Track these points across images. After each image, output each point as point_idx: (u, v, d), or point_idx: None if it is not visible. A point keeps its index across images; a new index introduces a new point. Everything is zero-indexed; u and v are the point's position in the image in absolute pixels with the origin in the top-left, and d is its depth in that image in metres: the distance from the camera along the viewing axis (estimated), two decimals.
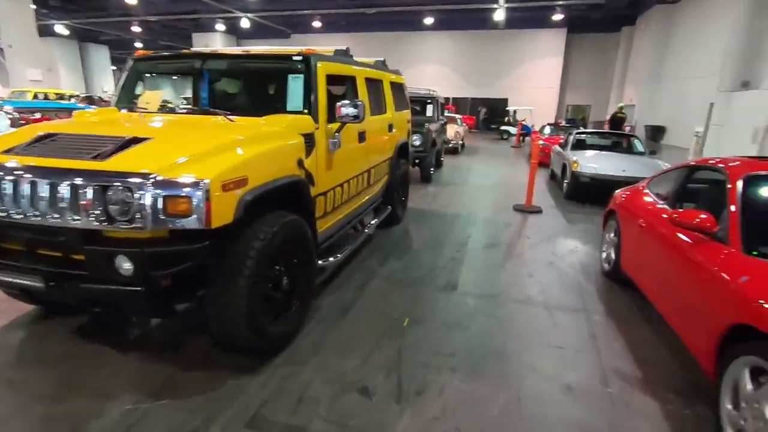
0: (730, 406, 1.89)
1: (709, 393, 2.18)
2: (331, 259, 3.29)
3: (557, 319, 3.08)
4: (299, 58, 2.94)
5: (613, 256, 3.72)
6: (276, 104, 2.98)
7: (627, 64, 26.92)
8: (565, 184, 7.29)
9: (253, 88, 3.62)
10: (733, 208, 2.30)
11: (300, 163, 2.60)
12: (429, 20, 26.75)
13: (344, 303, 3.14)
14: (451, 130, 13.25)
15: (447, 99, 29.48)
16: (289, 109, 2.87)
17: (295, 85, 2.86)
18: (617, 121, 12.99)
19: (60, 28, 26.31)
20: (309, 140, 2.72)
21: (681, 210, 2.46)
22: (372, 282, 3.55)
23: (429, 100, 8.94)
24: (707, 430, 2.01)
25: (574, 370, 2.46)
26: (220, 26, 29.01)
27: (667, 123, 21.23)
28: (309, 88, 2.87)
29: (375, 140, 4.05)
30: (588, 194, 6.98)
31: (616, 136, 8.46)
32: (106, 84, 29.55)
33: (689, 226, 2.35)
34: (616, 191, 4.15)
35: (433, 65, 30.46)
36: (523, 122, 18.26)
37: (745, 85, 14.25)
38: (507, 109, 20.20)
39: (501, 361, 2.51)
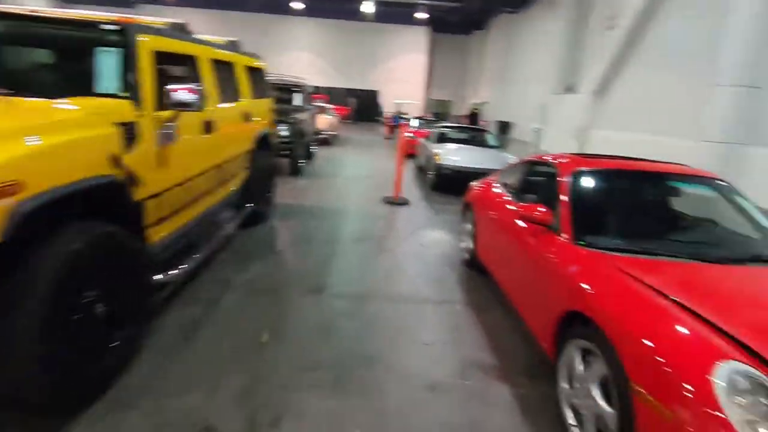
0: (566, 386, 2.06)
1: (550, 374, 2.38)
2: (174, 271, 2.78)
3: (425, 313, 3.11)
4: (113, 27, 2.36)
5: (471, 246, 3.94)
6: (84, 84, 2.36)
7: (481, 65, 29.94)
8: (430, 176, 7.66)
9: (53, 63, 2.84)
10: (563, 200, 2.53)
11: (115, 160, 2.07)
12: (298, 5, 25.87)
13: (189, 323, 2.69)
14: (323, 121, 12.99)
15: (318, 88, 29.13)
16: (99, 91, 2.28)
17: (108, 61, 2.29)
18: (473, 116, 14.24)
19: None
20: (129, 131, 2.19)
21: (524, 204, 2.63)
22: (227, 294, 3.13)
23: (296, 89, 8.52)
24: (549, 408, 2.17)
25: (438, 366, 2.48)
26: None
27: (513, 119, 24.26)
28: (128, 66, 2.32)
29: (227, 131, 3.58)
30: (451, 185, 7.45)
31: (473, 131, 9.21)
32: None
33: (530, 219, 2.52)
34: (472, 183, 4.42)
35: (303, 53, 29.64)
36: (393, 115, 18.91)
37: (568, 90, 16.96)
38: (397, 102, 20.76)
39: (368, 368, 2.40)
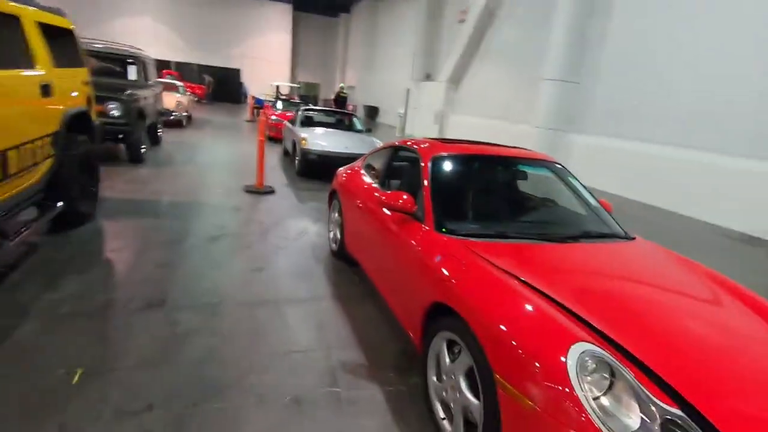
0: (435, 379, 2.00)
1: (421, 366, 2.33)
2: None
3: (288, 316, 2.81)
4: None
5: (338, 235, 3.75)
6: None
7: (347, 48, 29.90)
8: (296, 162, 7.25)
9: None
10: (425, 187, 2.47)
11: None
12: None
13: None
14: (172, 100, 11.43)
15: (168, 63, 25.64)
16: None
17: None
18: (341, 100, 14.10)
19: None
20: None
21: (389, 192, 2.50)
22: (25, 323, 2.38)
23: (130, 60, 7.18)
24: (420, 402, 2.11)
25: (304, 376, 2.22)
26: None
27: (379, 104, 24.91)
28: None
29: (7, 109, 2.69)
30: (317, 171, 7.18)
31: (339, 114, 9.01)
32: None
33: (394, 208, 2.41)
34: (338, 170, 4.21)
35: (146, 20, 25.65)
36: (255, 96, 17.67)
37: (428, 77, 17.96)
38: (276, 85, 19.10)
39: (219, 397, 2.01)
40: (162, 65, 24.85)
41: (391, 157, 3.27)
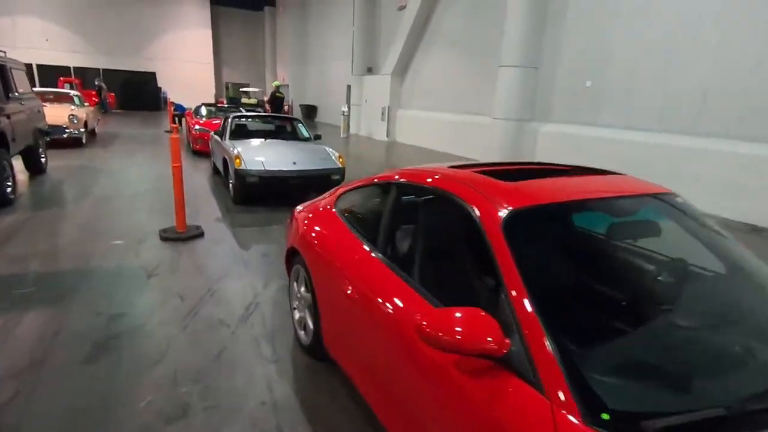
0: None
1: None
2: None
3: None
4: None
5: (311, 324, 2.36)
6: None
7: (275, 44, 27.75)
8: (231, 185, 5.66)
9: None
10: (518, 288, 1.17)
11: None
12: None
13: None
14: (62, 113, 9.19)
15: (68, 69, 22.12)
16: None
17: None
18: (277, 101, 12.38)
19: None
20: None
21: (438, 310, 1.17)
22: None
23: None
24: None
25: None
26: None
27: (317, 102, 23.19)
28: None
29: None
30: (261, 195, 5.66)
31: (279, 120, 7.43)
32: None
33: (462, 350, 1.09)
34: (296, 210, 2.81)
35: (31, 18, 21.88)
36: (174, 102, 15.36)
37: (369, 71, 16.64)
38: (246, 90, 16.76)
39: None
40: (60, 71, 21.38)
41: (394, 204, 1.93)
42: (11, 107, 5.49)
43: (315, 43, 22.88)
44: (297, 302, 2.58)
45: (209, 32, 26.21)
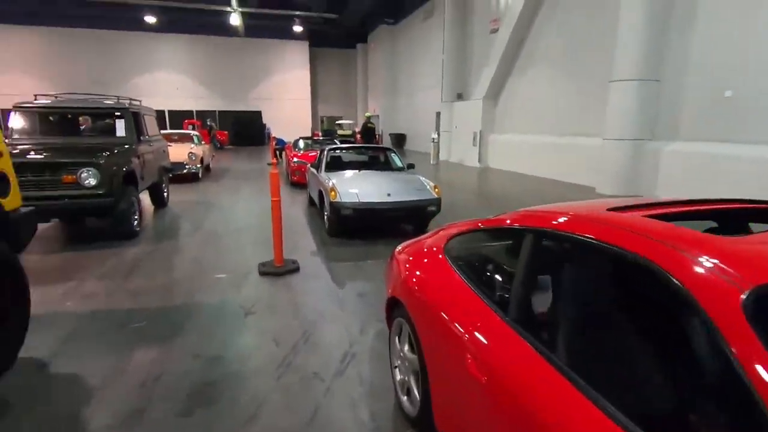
0: None
1: None
2: None
3: None
4: None
5: (416, 393, 2.00)
6: None
7: (366, 77, 29.03)
8: (325, 217, 5.63)
9: None
10: None
11: None
12: (151, 18, 22.19)
13: None
14: (183, 152, 10.27)
15: (191, 113, 25.37)
16: None
17: None
18: (369, 131, 12.62)
19: None
20: None
21: None
22: None
23: (118, 114, 5.89)
24: None
25: None
26: None
27: (407, 130, 23.50)
28: None
29: None
30: (357, 228, 5.53)
31: (372, 150, 7.40)
32: None
33: None
34: (396, 251, 2.50)
35: (166, 73, 25.68)
36: (275, 137, 16.53)
37: (459, 97, 16.37)
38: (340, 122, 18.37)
39: None
40: (185, 115, 24.60)
41: (532, 258, 1.51)
42: (141, 149, 6.15)
43: (404, 74, 23.40)
44: (399, 361, 2.23)
45: (308, 72, 28.28)
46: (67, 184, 4.70)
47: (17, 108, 5.67)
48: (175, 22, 23.51)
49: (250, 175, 12.26)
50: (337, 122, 23.21)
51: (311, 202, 7.44)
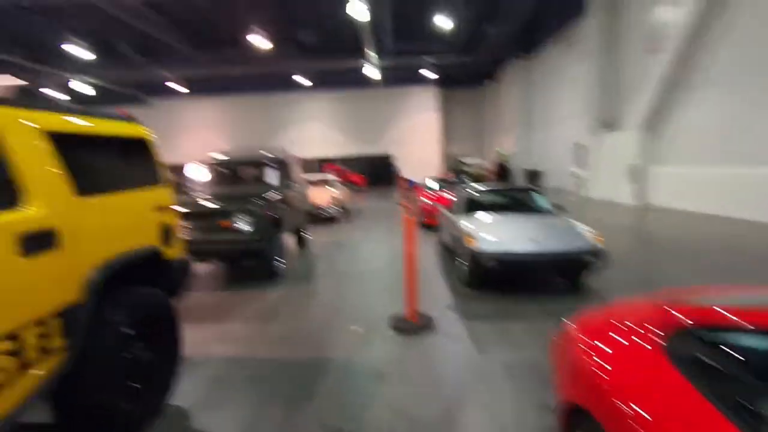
0: None
1: None
2: None
3: None
4: None
5: None
6: None
7: (495, 113, 28.35)
8: (463, 266, 5.13)
9: None
10: None
11: None
12: (303, 80, 25.41)
13: None
14: (324, 195, 10.97)
15: (332, 159, 27.88)
16: None
17: None
18: (503, 169, 11.83)
19: None
20: None
21: None
22: None
23: (268, 164, 6.45)
24: None
25: None
26: (56, 94, 24.40)
27: (541, 165, 21.88)
28: None
29: None
30: (497, 280, 4.91)
31: (512, 191, 6.70)
32: None
33: None
34: (570, 330, 1.89)
35: (312, 124, 28.96)
36: (405, 178, 16.80)
37: (608, 126, 14.59)
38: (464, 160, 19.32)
39: None
40: (327, 161, 27.11)
41: None
42: (288, 195, 6.59)
43: (539, 106, 22.12)
44: None
45: (436, 114, 28.89)
46: (225, 228, 5.17)
47: (194, 163, 6.62)
48: (319, 81, 26.51)
49: (379, 214, 12.53)
50: (460, 159, 22.86)
51: (443, 246, 7.04)
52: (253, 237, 5.11)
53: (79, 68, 20.37)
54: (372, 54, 19.82)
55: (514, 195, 6.50)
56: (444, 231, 6.72)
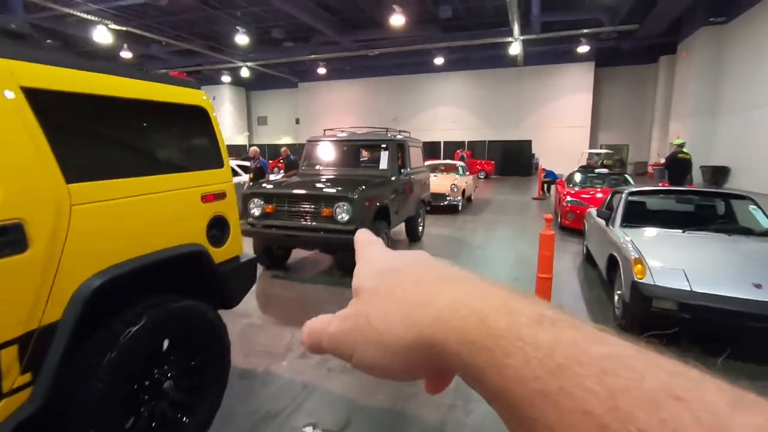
0: None
1: None
2: None
3: None
4: None
5: None
6: None
7: (669, 97, 23.33)
8: (617, 299, 3.67)
9: None
10: None
11: None
12: (439, 60, 24.39)
13: None
14: (446, 182, 9.98)
15: (463, 143, 26.50)
16: None
17: None
18: (680, 165, 9.21)
19: None
20: None
21: None
22: None
23: (383, 146, 5.72)
24: None
25: None
26: (226, 77, 28.16)
27: (730, 162, 17.19)
28: None
29: None
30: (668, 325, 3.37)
31: (701, 198, 4.72)
32: None
33: None
34: None
35: (446, 107, 27.89)
36: (545, 168, 14.65)
37: None
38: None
39: None
40: (458, 145, 25.83)
41: None
42: (399, 183, 5.80)
43: (732, 87, 17.33)
44: None
45: (590, 95, 25.11)
46: (325, 217, 4.62)
47: (309, 141, 6.27)
48: (457, 61, 25.11)
49: (509, 209, 11.01)
50: (590, 150, 19.33)
51: (588, 257, 5.49)
52: (348, 227, 4.45)
53: (241, 56, 22.78)
54: (516, 28, 17.73)
55: (703, 203, 4.57)
56: (593, 241, 5.16)
